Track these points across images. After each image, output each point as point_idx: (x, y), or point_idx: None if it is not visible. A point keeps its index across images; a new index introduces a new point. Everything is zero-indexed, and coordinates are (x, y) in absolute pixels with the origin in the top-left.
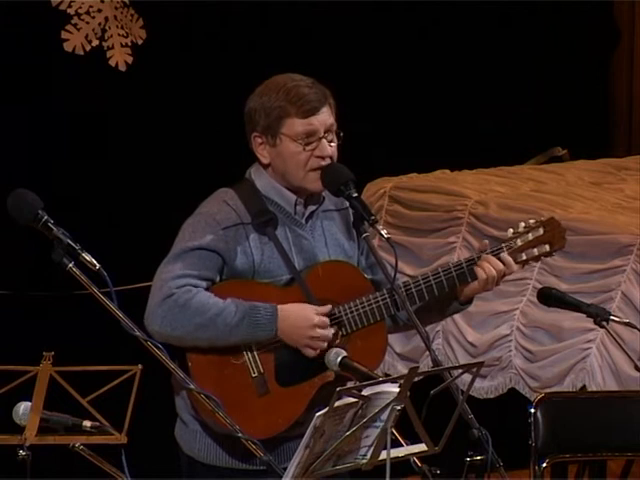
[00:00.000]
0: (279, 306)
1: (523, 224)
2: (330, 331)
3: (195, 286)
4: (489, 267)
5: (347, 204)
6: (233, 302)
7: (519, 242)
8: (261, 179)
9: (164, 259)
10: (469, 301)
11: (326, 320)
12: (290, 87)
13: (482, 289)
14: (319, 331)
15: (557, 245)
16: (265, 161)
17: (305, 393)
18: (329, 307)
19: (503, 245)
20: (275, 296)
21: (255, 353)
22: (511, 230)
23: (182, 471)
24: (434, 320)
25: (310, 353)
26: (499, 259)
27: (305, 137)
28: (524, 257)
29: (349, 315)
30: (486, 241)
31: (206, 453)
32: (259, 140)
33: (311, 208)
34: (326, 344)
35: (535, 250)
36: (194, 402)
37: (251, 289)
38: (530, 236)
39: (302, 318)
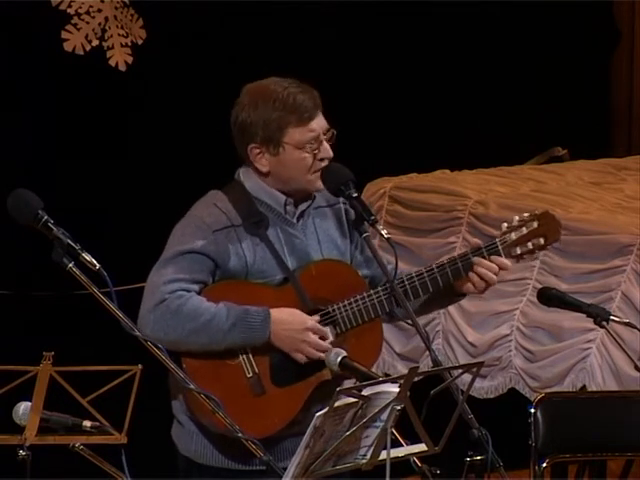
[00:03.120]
0: (272, 310)
1: (517, 218)
2: (323, 342)
3: (187, 290)
4: (487, 273)
5: (339, 200)
6: (225, 307)
7: (513, 236)
8: (250, 180)
9: (155, 263)
10: (464, 294)
11: (321, 328)
12: (285, 95)
13: (479, 293)
14: (312, 336)
15: (552, 238)
16: (264, 170)
17: (301, 393)
18: (317, 318)
19: (497, 240)
20: (268, 296)
21: (250, 353)
22: (505, 224)
23: (179, 472)
24: (433, 310)
25: (300, 358)
26: (492, 260)
27: (310, 143)
28: (518, 251)
29: (343, 313)
30: (478, 240)
31: (203, 454)
32: (256, 151)
33: (302, 207)
34: (317, 352)
35: (530, 244)
36: (189, 403)
37: (244, 290)
38: (524, 230)
39: (295, 322)
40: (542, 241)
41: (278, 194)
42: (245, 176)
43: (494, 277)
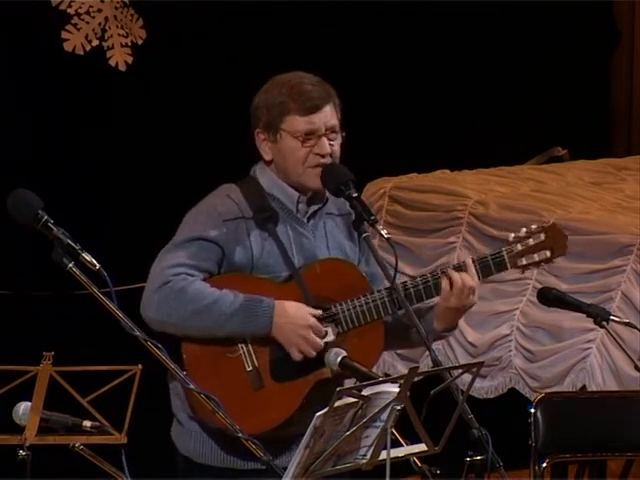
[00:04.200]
0: (277, 301)
1: (525, 229)
2: (321, 342)
3: (192, 275)
4: (457, 277)
5: (351, 209)
6: (231, 292)
7: (519, 247)
8: (265, 176)
9: (164, 247)
10: (449, 329)
11: (321, 327)
12: (293, 84)
13: (446, 302)
14: (311, 334)
15: (558, 251)
16: (267, 157)
17: (299, 390)
18: (320, 312)
19: (503, 249)
20: (272, 292)
21: (250, 347)
22: (512, 235)
23: (178, 471)
24: (417, 341)
25: (295, 354)
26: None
27: (305, 134)
28: (524, 262)
29: (346, 313)
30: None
31: (202, 453)
32: (262, 136)
33: (314, 207)
34: (314, 351)
35: (536, 255)
36: (189, 400)
37: (248, 283)
38: (531, 241)
39: (299, 317)
40: (548, 254)
41: (291, 191)
42: (260, 172)
43: (459, 282)
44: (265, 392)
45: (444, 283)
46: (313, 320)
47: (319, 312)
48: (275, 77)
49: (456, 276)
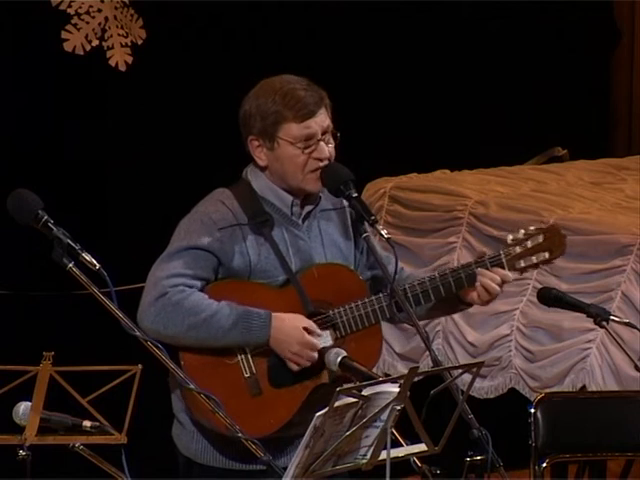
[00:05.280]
0: (273, 314)
1: (523, 231)
2: (316, 356)
3: (189, 286)
4: (490, 283)
5: (345, 203)
6: (227, 305)
7: (518, 249)
8: (257, 180)
9: (159, 257)
10: (469, 303)
11: (315, 342)
12: (286, 91)
13: (483, 304)
14: (306, 351)
15: (556, 253)
16: (262, 164)
17: (298, 395)
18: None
19: (501, 252)
20: (270, 297)
21: (248, 354)
22: (510, 237)
23: (179, 471)
24: (438, 316)
25: (294, 367)
26: (495, 272)
27: (303, 141)
28: (522, 264)
29: (344, 317)
30: (483, 250)
31: (203, 454)
32: (256, 143)
33: (308, 208)
34: (309, 363)
35: (534, 258)
36: (188, 402)
37: (246, 290)
38: (529, 243)
39: (294, 330)
40: (547, 255)
41: (285, 194)
42: (252, 175)
43: (497, 288)
44: (263, 398)
45: (477, 291)
46: (308, 337)
47: (314, 325)
48: (262, 82)
49: (493, 286)
